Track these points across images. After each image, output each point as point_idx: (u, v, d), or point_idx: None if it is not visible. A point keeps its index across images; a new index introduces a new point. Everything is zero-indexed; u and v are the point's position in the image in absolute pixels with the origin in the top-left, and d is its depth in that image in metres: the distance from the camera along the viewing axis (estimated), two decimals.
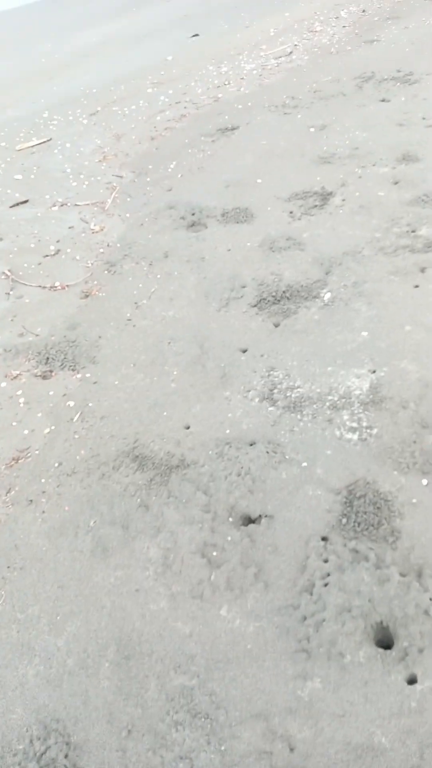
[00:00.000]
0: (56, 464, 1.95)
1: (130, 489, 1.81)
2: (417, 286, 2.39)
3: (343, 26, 6.54)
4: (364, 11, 7.00)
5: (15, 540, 1.74)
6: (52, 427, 2.10)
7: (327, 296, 2.45)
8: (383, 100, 4.31)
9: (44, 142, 4.66)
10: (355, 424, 1.86)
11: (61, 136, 4.73)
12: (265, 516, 1.64)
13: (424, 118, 3.89)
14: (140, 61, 6.48)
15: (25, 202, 3.78)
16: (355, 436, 1.82)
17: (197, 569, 1.52)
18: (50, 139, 4.72)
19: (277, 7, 7.86)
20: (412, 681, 1.27)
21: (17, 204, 3.80)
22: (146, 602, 1.50)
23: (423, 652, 1.29)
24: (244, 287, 2.62)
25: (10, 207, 3.79)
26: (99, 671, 1.38)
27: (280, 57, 5.83)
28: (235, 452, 1.83)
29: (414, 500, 1.60)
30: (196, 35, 7.18)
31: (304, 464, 1.77)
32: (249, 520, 1.65)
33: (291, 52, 5.92)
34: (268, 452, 1.81)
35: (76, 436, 2.04)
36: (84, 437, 2.03)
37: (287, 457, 1.80)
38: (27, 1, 11.54)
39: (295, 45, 6.14)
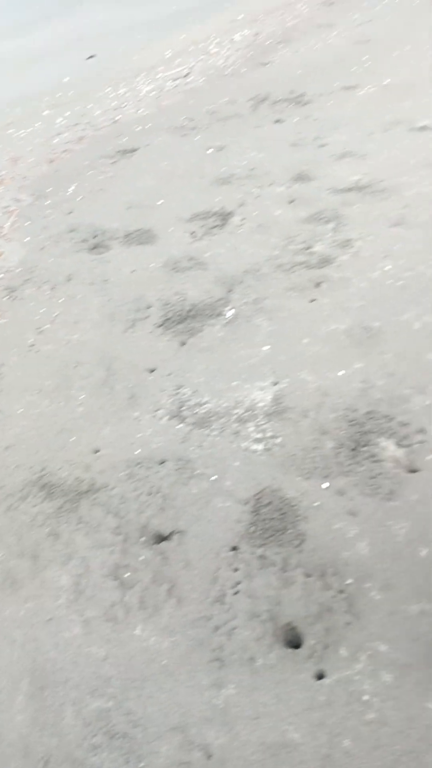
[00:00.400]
0: None
1: (38, 519, 1.78)
2: (313, 300, 2.53)
3: (238, 49, 6.79)
4: (257, 34, 7.31)
5: None
6: None
7: (230, 313, 2.54)
8: (277, 121, 4.52)
9: None
10: (260, 435, 1.93)
11: None
12: (177, 532, 1.67)
13: (316, 138, 4.12)
14: (36, 82, 6.43)
15: None
16: (261, 447, 1.89)
17: (110, 592, 1.53)
18: None
19: (172, 29, 8.06)
20: (320, 676, 1.34)
21: None
22: (59, 631, 1.48)
23: (328, 648, 1.37)
24: (149, 308, 2.66)
25: None
26: (12, 706, 1.35)
27: (177, 79, 5.97)
28: (146, 472, 1.86)
29: (316, 503, 1.69)
30: (92, 56, 7.22)
31: (213, 478, 1.82)
32: (161, 538, 1.68)
33: (187, 74, 6.08)
34: (177, 469, 1.85)
35: None
36: None
37: (197, 472, 1.84)
38: None
39: (192, 67, 6.31)
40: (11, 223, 3.53)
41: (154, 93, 5.59)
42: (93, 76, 6.33)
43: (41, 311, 2.72)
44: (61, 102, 5.62)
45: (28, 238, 3.35)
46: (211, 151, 4.12)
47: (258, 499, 1.72)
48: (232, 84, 5.53)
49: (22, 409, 2.21)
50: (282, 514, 1.67)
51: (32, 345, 2.53)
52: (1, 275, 3.06)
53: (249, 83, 5.47)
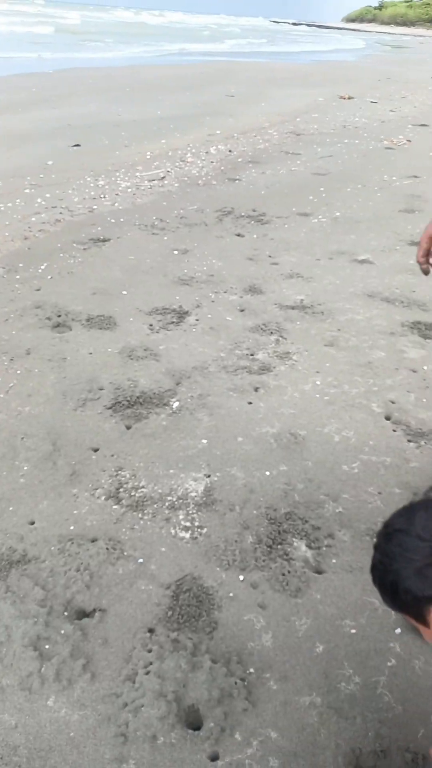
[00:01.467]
0: None
1: None
2: (250, 403, 2.80)
3: (211, 162, 7.51)
4: (230, 151, 8.12)
5: None
6: None
7: (175, 404, 2.77)
8: (238, 235, 5.01)
9: None
10: (188, 524, 2.11)
11: None
12: (99, 610, 1.79)
13: (270, 256, 4.60)
14: (21, 160, 6.85)
15: None
16: (188, 535, 2.06)
17: (28, 662, 1.61)
18: None
19: (155, 134, 8.82)
20: (214, 758, 1.46)
21: None
22: None
23: (225, 731, 1.49)
24: (101, 389, 2.86)
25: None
26: None
27: (154, 180, 6.53)
28: (77, 548, 1.98)
29: (231, 594, 1.86)
30: (78, 145, 7.78)
31: (140, 560, 1.96)
32: (83, 614, 1.78)
33: (163, 177, 6.66)
34: (108, 549, 1.98)
35: None
36: None
37: (125, 553, 1.98)
38: None
39: (168, 171, 6.92)
40: None
41: (130, 190, 6.07)
42: (76, 163, 6.82)
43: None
44: (42, 183, 6.02)
45: None
46: (176, 252, 4.52)
47: (179, 584, 1.87)
48: (203, 193, 6.10)
49: None
50: (199, 601, 1.82)
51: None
52: None
53: (218, 195, 6.06)
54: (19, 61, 15.57)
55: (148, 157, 7.48)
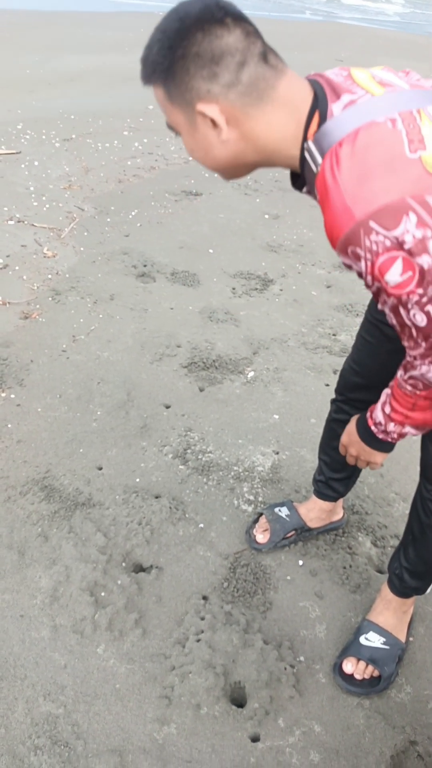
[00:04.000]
0: None
1: (33, 517, 1.88)
2: (327, 385, 2.70)
3: None
4: None
5: None
6: None
7: (251, 374, 2.70)
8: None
9: (13, 153, 4.73)
10: (252, 497, 2.06)
11: (30, 153, 4.83)
12: (156, 567, 1.78)
13: None
14: (123, 101, 6.75)
15: None
16: (250, 509, 2.02)
17: (83, 606, 1.62)
18: (20, 152, 4.79)
19: None
20: (255, 739, 1.44)
21: None
22: (28, 629, 1.57)
23: (268, 715, 1.47)
24: (178, 347, 2.82)
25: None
26: None
27: None
28: (141, 502, 1.97)
29: (288, 577, 1.81)
30: None
31: (201, 525, 1.94)
32: (140, 568, 1.78)
33: None
34: (170, 508, 1.96)
35: None
36: None
37: (187, 515, 1.96)
38: (25, 5, 11.64)
39: None
40: (70, 229, 3.72)
41: None
42: None
43: (80, 321, 2.87)
44: (141, 127, 5.92)
45: (83, 248, 3.53)
46: (267, 216, 4.37)
47: (237, 557, 1.84)
48: None
49: (41, 409, 2.32)
50: (256, 578, 1.78)
51: (64, 350, 2.67)
52: (50, 276, 3.21)
53: None
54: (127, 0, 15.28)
55: None
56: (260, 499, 2.06)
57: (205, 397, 2.54)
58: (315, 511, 1.89)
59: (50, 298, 3.02)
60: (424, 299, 0.86)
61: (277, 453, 2.27)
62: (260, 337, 2.98)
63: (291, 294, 3.43)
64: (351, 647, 1.61)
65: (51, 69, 7.62)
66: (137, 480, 2.07)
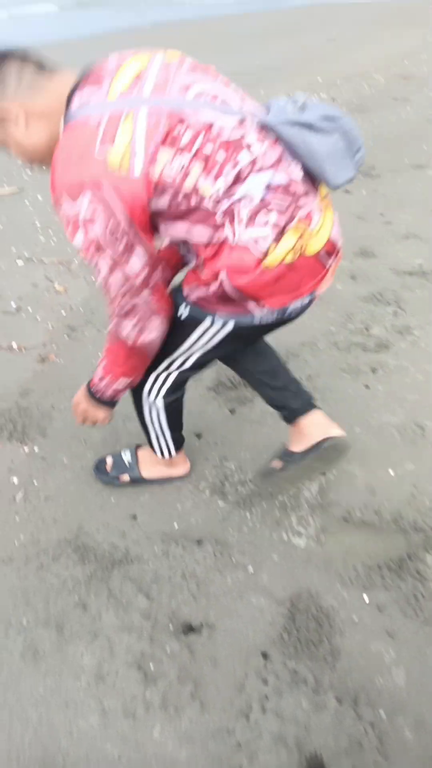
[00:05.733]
0: None
1: (68, 584, 1.75)
2: (367, 387, 2.49)
3: None
4: (333, 99, 7.48)
5: None
6: None
7: None
8: (346, 191, 4.56)
9: (14, 192, 4.67)
10: (302, 529, 1.88)
11: (33, 188, 4.76)
12: (207, 625, 1.61)
13: (381, 214, 4.14)
14: None
15: None
16: (302, 542, 1.84)
17: (132, 683, 1.47)
18: (22, 189, 4.73)
19: (255, 84, 8.29)
20: None
21: None
22: (75, 717, 1.43)
23: None
24: None
25: None
26: None
27: None
28: (181, 551, 1.81)
29: (354, 617, 1.62)
30: None
31: (250, 569, 1.76)
32: (190, 629, 1.62)
33: None
34: (215, 553, 1.80)
35: (17, 519, 1.97)
36: (25, 520, 1.97)
37: (234, 559, 1.79)
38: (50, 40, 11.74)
39: None
40: (80, 259, 3.60)
41: None
42: None
43: (98, 355, 2.73)
44: None
45: (94, 278, 3.41)
46: None
47: (294, 602, 1.66)
48: None
49: (66, 459, 2.20)
50: (318, 624, 1.60)
51: None
52: (64, 312, 3.10)
53: None
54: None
55: None
56: (311, 530, 1.88)
57: (236, 419, 2.36)
58: (291, 435, 1.86)
59: (66, 336, 2.91)
60: (96, 260, 1.21)
61: (323, 473, 2.08)
62: (287, 343, 2.79)
63: None
64: None
65: None
66: (175, 525, 1.92)
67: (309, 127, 1.19)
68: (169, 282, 1.44)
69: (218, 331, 1.42)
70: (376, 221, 4.05)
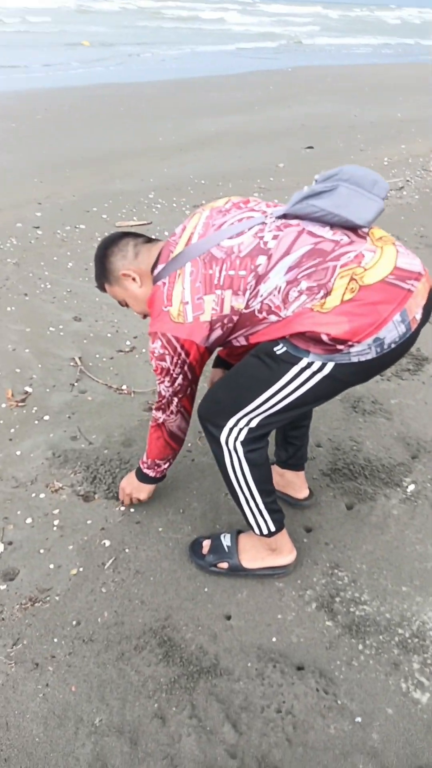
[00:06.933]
0: (74, 622, 1.72)
1: (149, 686, 1.55)
2: None
3: None
4: None
5: (7, 715, 1.49)
6: (81, 569, 1.88)
7: (410, 488, 2.21)
8: None
9: (144, 224, 4.72)
10: (425, 680, 1.57)
11: (161, 222, 4.79)
12: None
13: None
14: (252, 160, 6.67)
15: None
16: (425, 698, 1.53)
17: None
18: (150, 222, 4.77)
19: (394, 138, 8.08)
20: None
21: None
22: None
23: None
24: (318, 446, 2.42)
25: (96, 286, 3.75)
26: None
27: (391, 190, 5.88)
28: (279, 676, 1.56)
29: None
30: (311, 147, 7.39)
31: (358, 720, 1.48)
32: None
33: (402, 187, 5.98)
34: (317, 689, 1.53)
35: (104, 590, 1.81)
36: (112, 594, 1.80)
37: (339, 702, 1.52)
38: (160, 77, 12.33)
39: (408, 180, 6.21)
40: None
41: None
42: (307, 167, 6.44)
43: None
44: (271, 187, 5.74)
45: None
46: None
47: None
48: None
49: (162, 528, 2.03)
50: None
51: (189, 451, 2.38)
52: None
53: None
54: (256, 59, 15.73)
55: (386, 163, 6.82)
56: None
57: (354, 518, 2.09)
58: (294, 482, 2.11)
59: None
60: (161, 377, 1.63)
61: None
62: (419, 434, 2.49)
63: None
64: None
65: (183, 135, 7.81)
66: (274, 639, 1.67)
67: (312, 195, 1.43)
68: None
69: (315, 373, 1.44)
70: None
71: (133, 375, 2.88)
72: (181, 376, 1.60)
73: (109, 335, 3.23)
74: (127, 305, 1.79)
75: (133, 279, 1.66)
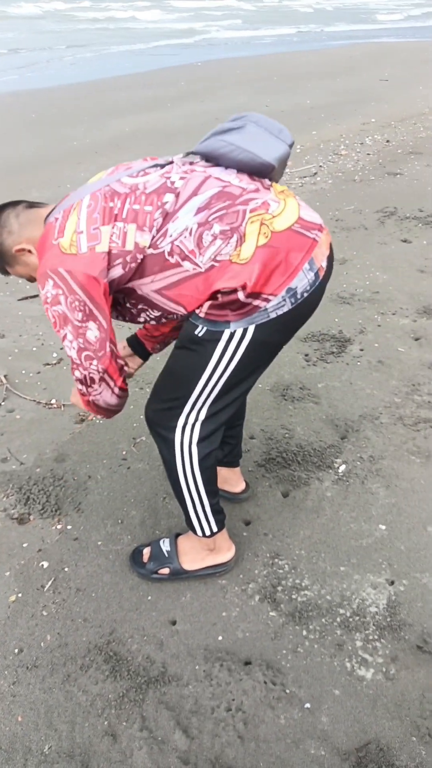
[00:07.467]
0: (16, 650, 1.67)
1: (98, 704, 1.52)
2: None
3: (368, 154, 6.80)
4: (388, 141, 7.32)
5: None
6: (19, 595, 1.83)
7: (341, 468, 2.27)
8: (405, 241, 4.34)
9: None
10: (368, 657, 1.61)
11: None
12: None
13: None
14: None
15: (35, 296, 3.65)
16: (369, 674, 1.57)
17: None
18: None
19: (305, 124, 8.22)
20: None
21: (27, 298, 3.67)
22: None
23: None
24: (252, 438, 2.44)
25: (19, 300, 3.65)
26: None
27: (305, 177, 5.98)
28: (227, 675, 1.57)
29: None
30: None
31: (307, 705, 1.50)
32: None
33: (315, 173, 6.09)
34: (265, 682, 1.55)
35: (45, 614, 1.76)
36: (53, 616, 1.76)
37: (287, 691, 1.54)
38: (71, 80, 12.06)
39: (320, 166, 6.33)
40: None
41: None
42: None
43: (139, 417, 2.55)
44: None
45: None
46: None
47: (361, 756, 1.39)
48: (360, 191, 5.45)
49: (101, 542, 2.00)
50: None
51: (124, 459, 2.35)
52: None
53: (377, 193, 5.38)
54: (166, 55, 15.66)
55: (299, 150, 6.93)
56: (379, 658, 1.61)
57: (290, 505, 2.12)
58: (230, 478, 2.11)
59: None
60: (63, 331, 1.39)
61: (392, 583, 1.81)
62: (346, 415, 2.55)
63: (374, 354, 2.99)
64: None
65: (97, 137, 7.68)
66: (220, 638, 1.68)
67: (222, 131, 1.42)
68: (158, 350, 1.90)
69: (240, 342, 1.40)
70: None
71: (62, 387, 2.82)
72: (84, 325, 1.35)
73: (34, 349, 3.14)
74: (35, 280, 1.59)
75: (29, 251, 1.49)
